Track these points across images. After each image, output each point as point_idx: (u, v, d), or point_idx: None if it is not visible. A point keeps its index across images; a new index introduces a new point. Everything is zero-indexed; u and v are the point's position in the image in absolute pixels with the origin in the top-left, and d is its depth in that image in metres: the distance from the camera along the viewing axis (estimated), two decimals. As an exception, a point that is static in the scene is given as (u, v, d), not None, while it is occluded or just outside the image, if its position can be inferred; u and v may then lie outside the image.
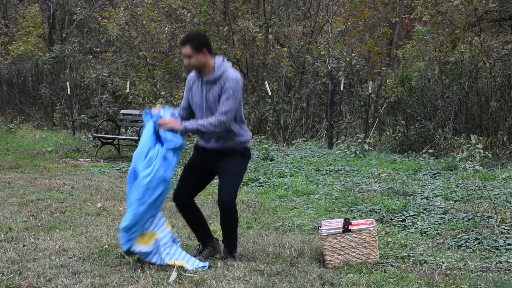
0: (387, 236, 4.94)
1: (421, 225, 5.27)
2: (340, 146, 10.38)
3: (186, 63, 4.16)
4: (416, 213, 5.63)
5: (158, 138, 4.16)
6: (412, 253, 4.39)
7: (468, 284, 3.73)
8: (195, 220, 4.36)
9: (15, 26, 20.68)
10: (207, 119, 4.06)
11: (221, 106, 4.04)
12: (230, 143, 4.16)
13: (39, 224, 5.38)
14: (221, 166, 4.18)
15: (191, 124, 4.10)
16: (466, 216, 5.38)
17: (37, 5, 20.46)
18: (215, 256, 4.28)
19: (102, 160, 10.64)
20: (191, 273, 3.93)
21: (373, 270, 4.03)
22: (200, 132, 4.13)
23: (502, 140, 9.19)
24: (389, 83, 12.38)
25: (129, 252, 4.14)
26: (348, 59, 12.37)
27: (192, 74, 4.28)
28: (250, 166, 8.22)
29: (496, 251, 4.47)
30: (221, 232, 4.35)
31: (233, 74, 4.10)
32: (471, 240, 4.73)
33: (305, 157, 9.65)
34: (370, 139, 10.65)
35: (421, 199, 6.20)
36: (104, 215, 5.86)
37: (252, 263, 4.17)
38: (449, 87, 10.71)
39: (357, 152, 9.67)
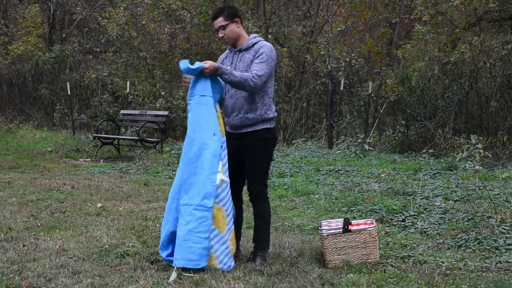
0: (387, 236, 4.94)
1: (421, 225, 5.27)
2: (340, 146, 10.38)
3: (220, 35, 4.14)
4: (416, 213, 5.63)
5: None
6: (412, 253, 4.39)
7: (468, 284, 3.73)
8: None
9: (15, 26, 20.67)
10: (242, 73, 3.98)
11: (255, 67, 3.99)
12: (251, 115, 4.09)
13: (39, 224, 5.38)
14: (246, 155, 4.13)
15: (226, 68, 3.98)
16: (466, 216, 5.38)
17: (37, 5, 20.45)
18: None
19: (102, 160, 10.64)
20: (191, 273, 3.93)
21: (373, 270, 4.03)
22: (231, 79, 3.95)
23: (502, 140, 9.19)
24: (389, 83, 12.38)
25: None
26: (348, 59, 12.36)
27: (224, 53, 4.29)
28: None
29: (496, 251, 4.47)
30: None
31: (267, 43, 4.13)
32: (471, 240, 4.73)
33: (305, 157, 9.65)
34: (370, 139, 10.65)
35: (421, 199, 6.20)
36: (104, 215, 5.86)
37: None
38: (449, 87, 10.71)
39: (357, 152, 9.67)
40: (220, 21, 4.10)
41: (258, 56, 4.04)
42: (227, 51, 4.30)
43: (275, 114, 4.23)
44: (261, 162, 4.17)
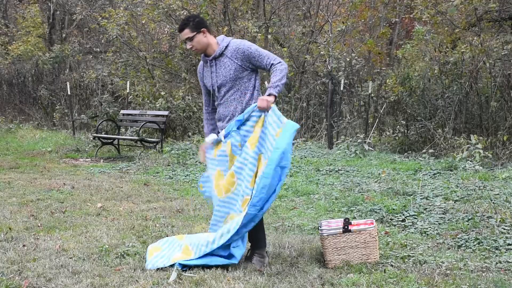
0: (387, 236, 4.94)
1: (421, 225, 5.27)
2: (340, 146, 10.38)
3: (188, 47, 4.14)
4: (416, 213, 5.63)
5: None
6: (412, 253, 4.39)
7: (468, 284, 3.73)
8: None
9: (15, 26, 20.68)
10: (275, 75, 3.96)
11: (264, 62, 4.00)
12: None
13: (39, 224, 5.38)
14: None
15: (275, 87, 3.97)
16: (466, 216, 5.38)
17: (37, 5, 20.46)
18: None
19: (102, 160, 10.64)
20: (191, 273, 3.93)
21: (373, 270, 4.03)
22: (281, 88, 3.98)
23: (502, 140, 9.19)
24: (389, 83, 12.39)
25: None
26: (348, 59, 12.36)
27: (200, 63, 4.29)
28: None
29: (496, 251, 4.47)
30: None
31: (237, 40, 4.12)
32: (471, 240, 4.73)
33: (305, 157, 9.65)
34: (370, 139, 10.65)
35: (421, 199, 6.20)
36: (104, 215, 5.86)
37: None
38: (449, 87, 10.71)
39: (357, 152, 9.67)
40: (186, 33, 4.09)
41: (250, 55, 4.02)
42: (201, 63, 4.27)
43: None
44: None
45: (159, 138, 11.07)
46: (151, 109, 12.84)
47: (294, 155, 9.87)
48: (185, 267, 4.02)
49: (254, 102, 4.11)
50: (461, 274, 3.93)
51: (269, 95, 3.98)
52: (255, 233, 4.21)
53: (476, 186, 6.59)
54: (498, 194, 6.22)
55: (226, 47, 4.10)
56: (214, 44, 4.13)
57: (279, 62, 4.01)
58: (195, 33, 4.08)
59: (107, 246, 4.57)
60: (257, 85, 4.16)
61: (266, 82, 12.22)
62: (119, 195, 6.97)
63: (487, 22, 11.50)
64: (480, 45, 10.57)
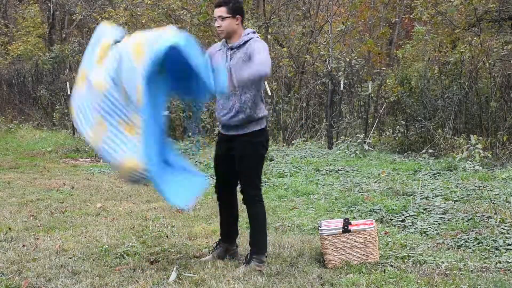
0: (387, 236, 4.94)
1: (421, 225, 5.27)
2: (340, 146, 10.38)
3: (216, 25, 4.03)
4: (416, 213, 5.63)
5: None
6: (412, 253, 4.39)
7: (468, 284, 3.73)
8: (227, 218, 4.33)
9: (15, 26, 20.69)
10: (249, 69, 3.82)
11: (257, 58, 3.83)
12: (241, 115, 4.00)
13: (39, 224, 5.38)
14: (237, 158, 4.07)
15: (237, 83, 3.86)
16: (466, 216, 5.38)
17: (37, 5, 20.47)
18: (232, 258, 4.26)
19: (102, 160, 10.63)
20: (191, 273, 3.93)
21: (373, 270, 4.03)
22: (248, 81, 3.86)
23: (502, 140, 9.19)
24: (389, 83, 12.39)
25: None
26: (347, 59, 12.37)
27: (217, 44, 4.21)
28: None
29: (496, 251, 4.47)
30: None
31: (258, 39, 4.01)
32: (471, 240, 4.73)
33: (305, 157, 9.64)
34: (370, 139, 10.65)
35: (421, 199, 6.20)
36: (103, 215, 5.86)
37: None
38: (449, 87, 10.71)
39: (357, 152, 9.67)
40: (221, 11, 3.99)
41: (253, 50, 3.90)
42: (220, 43, 4.19)
43: (265, 113, 4.13)
44: (252, 166, 4.08)
45: (159, 138, 11.06)
46: (151, 109, 12.82)
47: (294, 155, 9.88)
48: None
49: (252, 108, 4.02)
50: (461, 274, 3.93)
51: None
52: (255, 234, 4.18)
53: (476, 186, 6.59)
54: (498, 194, 6.21)
55: (244, 43, 4.00)
56: (239, 35, 4.04)
57: (258, 64, 3.81)
58: (230, 15, 3.98)
59: (107, 246, 4.57)
60: (260, 90, 4.08)
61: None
62: (119, 195, 6.97)
63: (487, 22, 11.51)
64: (480, 45, 10.58)
